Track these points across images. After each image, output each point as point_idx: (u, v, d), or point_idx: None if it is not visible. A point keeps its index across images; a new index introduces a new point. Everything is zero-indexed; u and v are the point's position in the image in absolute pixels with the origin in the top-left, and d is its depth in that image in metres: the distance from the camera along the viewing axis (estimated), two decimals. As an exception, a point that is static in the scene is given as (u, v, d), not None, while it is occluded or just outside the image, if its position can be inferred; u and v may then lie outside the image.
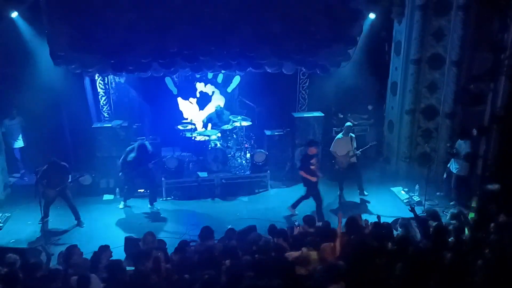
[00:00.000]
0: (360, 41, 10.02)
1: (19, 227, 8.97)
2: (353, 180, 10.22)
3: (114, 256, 6.44)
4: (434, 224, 6.97)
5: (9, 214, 9.35)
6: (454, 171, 9.47)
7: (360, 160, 10.28)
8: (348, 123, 10.42)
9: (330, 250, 5.90)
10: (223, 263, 5.70)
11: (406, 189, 10.35)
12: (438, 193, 10.10)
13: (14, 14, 9.33)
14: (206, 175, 10.49)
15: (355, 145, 9.97)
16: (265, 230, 7.39)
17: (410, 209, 7.32)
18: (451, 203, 9.58)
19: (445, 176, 9.92)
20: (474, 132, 9.39)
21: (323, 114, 11.32)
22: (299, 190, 10.60)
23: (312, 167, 9.03)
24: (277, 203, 10.05)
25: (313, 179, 9.02)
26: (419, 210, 9.09)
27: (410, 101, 10.73)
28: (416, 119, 10.82)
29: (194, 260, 5.98)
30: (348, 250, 5.93)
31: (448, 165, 9.73)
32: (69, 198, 9.05)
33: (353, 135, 10.12)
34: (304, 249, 5.97)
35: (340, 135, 10.09)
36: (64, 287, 5.47)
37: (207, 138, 10.86)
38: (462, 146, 9.32)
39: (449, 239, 6.53)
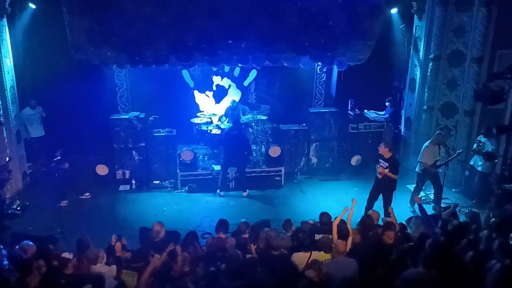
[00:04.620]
0: (379, 36, 9.91)
1: (37, 215, 9.14)
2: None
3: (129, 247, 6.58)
4: (453, 222, 6.90)
5: (27, 202, 9.53)
6: (479, 168, 9.35)
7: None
8: (439, 132, 9.57)
9: (343, 246, 5.87)
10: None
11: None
12: (453, 190, 10.01)
13: (32, 6, 9.60)
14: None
15: (443, 153, 9.24)
16: (278, 225, 7.41)
17: (417, 208, 7.22)
18: (473, 201, 9.48)
19: (467, 173, 9.78)
20: (494, 131, 9.23)
21: (339, 110, 11.25)
22: (313, 185, 10.63)
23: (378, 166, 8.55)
24: (291, 198, 10.04)
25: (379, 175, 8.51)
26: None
27: (428, 98, 10.59)
28: (434, 116, 10.69)
29: (204, 252, 6.05)
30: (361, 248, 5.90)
31: (471, 163, 9.60)
32: None
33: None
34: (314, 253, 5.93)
35: (427, 143, 9.31)
36: (76, 275, 5.57)
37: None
38: (487, 143, 9.21)
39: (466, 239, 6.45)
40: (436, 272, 5.11)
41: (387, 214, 8.24)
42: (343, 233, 6.35)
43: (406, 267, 5.51)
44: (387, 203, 8.51)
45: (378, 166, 8.52)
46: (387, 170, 8.38)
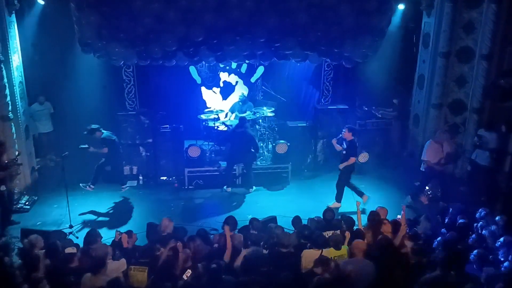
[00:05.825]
0: (388, 33, 9.84)
1: (45, 210, 9.22)
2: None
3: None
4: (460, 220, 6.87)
5: (36, 198, 9.60)
6: (483, 162, 9.27)
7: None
8: (440, 130, 9.63)
9: (362, 246, 5.85)
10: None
11: (430, 185, 10.15)
12: (461, 188, 9.92)
13: (41, 2, 9.60)
14: (228, 165, 10.55)
15: (448, 151, 9.15)
16: (284, 221, 7.40)
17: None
18: (482, 198, 9.41)
19: (469, 168, 9.70)
20: (503, 128, 9.16)
21: (347, 107, 11.21)
22: (320, 182, 10.61)
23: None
24: (297, 195, 10.03)
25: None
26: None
27: (437, 95, 10.50)
28: (442, 113, 10.60)
29: (211, 249, 6.05)
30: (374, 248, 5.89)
31: (473, 157, 9.53)
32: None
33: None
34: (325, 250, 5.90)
35: (429, 141, 9.30)
36: (82, 269, 5.61)
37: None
38: (488, 137, 9.17)
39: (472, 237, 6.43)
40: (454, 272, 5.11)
41: (339, 194, 9.18)
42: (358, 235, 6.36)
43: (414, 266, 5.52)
44: (340, 182, 9.20)
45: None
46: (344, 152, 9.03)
